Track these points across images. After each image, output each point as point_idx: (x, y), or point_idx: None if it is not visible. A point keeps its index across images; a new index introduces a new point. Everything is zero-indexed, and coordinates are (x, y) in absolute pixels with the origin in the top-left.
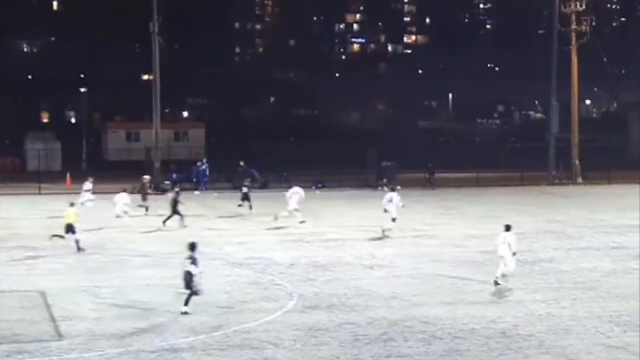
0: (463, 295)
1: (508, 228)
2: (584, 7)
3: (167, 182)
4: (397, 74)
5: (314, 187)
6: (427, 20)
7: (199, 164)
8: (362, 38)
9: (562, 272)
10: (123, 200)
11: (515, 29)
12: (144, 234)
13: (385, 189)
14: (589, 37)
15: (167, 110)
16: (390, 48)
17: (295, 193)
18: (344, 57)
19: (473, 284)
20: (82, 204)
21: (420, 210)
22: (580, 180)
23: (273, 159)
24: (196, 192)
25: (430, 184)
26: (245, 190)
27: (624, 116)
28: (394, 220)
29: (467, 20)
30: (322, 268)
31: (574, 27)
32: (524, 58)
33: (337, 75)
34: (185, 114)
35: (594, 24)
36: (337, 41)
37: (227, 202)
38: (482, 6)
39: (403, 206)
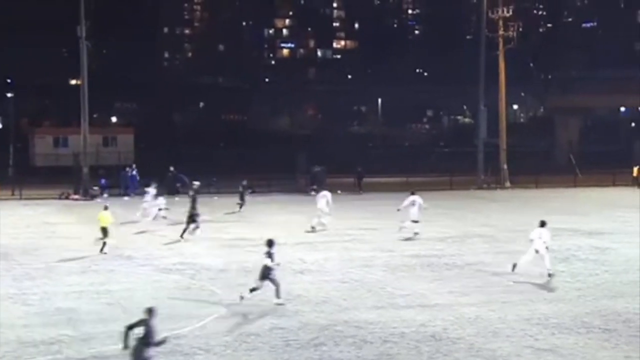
0: (393, 299)
1: (543, 224)
2: (510, 12)
3: (95, 188)
4: (327, 78)
5: None
6: (356, 25)
7: (128, 169)
8: (291, 43)
9: (490, 275)
10: (160, 203)
11: (444, 34)
12: (73, 240)
13: (313, 193)
14: (516, 42)
15: (95, 116)
16: (319, 53)
17: (323, 196)
18: (273, 62)
19: (403, 288)
20: (144, 209)
21: (350, 214)
22: (508, 184)
23: (203, 164)
24: (125, 198)
25: (358, 188)
26: (240, 189)
27: (551, 120)
28: (415, 221)
29: (395, 26)
30: (252, 273)
31: (501, 32)
32: (452, 63)
33: (267, 80)
34: (114, 119)
35: (520, 29)
36: (266, 46)
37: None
38: (410, 11)
39: (425, 208)
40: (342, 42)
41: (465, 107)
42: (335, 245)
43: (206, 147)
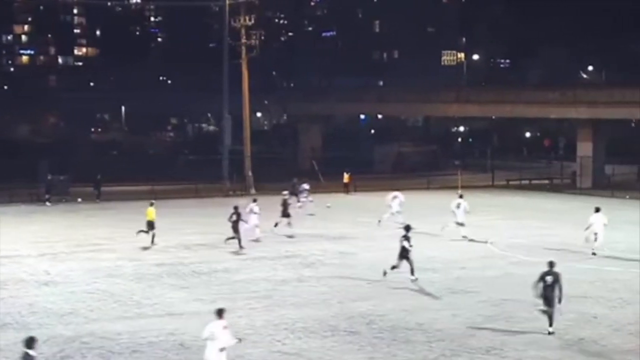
0: (140, 308)
1: (598, 209)
2: (252, 21)
3: None
4: (68, 85)
5: None
6: (98, 32)
7: None
8: (31, 49)
9: (237, 282)
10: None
11: (187, 42)
12: None
13: (48, 203)
14: (258, 50)
15: None
16: (60, 60)
17: (395, 197)
18: (12, 69)
19: (150, 297)
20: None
21: (92, 223)
22: (253, 190)
23: None
24: None
25: (97, 196)
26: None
27: (294, 127)
28: (460, 224)
29: (137, 33)
30: None
31: (243, 40)
32: (196, 71)
33: (5, 87)
34: None
35: (262, 37)
36: (4, 52)
37: None
38: (152, 19)
39: (468, 212)
40: (84, 49)
41: (209, 114)
42: (79, 255)
43: None
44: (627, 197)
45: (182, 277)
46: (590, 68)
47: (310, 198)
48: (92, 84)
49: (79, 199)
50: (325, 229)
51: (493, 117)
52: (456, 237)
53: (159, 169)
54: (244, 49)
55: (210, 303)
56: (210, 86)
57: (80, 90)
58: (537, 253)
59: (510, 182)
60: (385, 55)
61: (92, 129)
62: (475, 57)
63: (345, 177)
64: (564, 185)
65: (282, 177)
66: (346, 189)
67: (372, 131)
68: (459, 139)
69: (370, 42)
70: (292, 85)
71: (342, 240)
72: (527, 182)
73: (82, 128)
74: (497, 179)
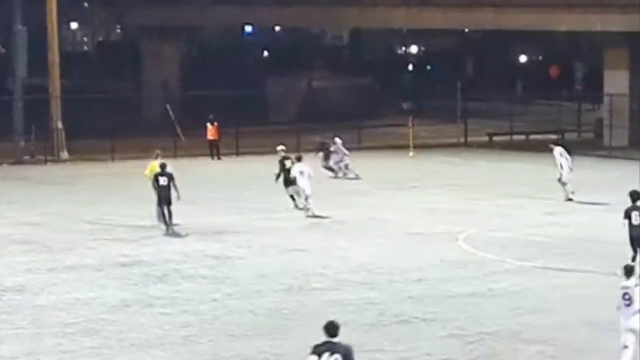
0: None
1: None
2: None
3: None
4: None
5: None
6: None
7: None
8: None
9: (40, 308)
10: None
11: None
12: None
13: None
14: None
15: None
16: None
17: (562, 153)
18: None
19: None
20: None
21: None
22: (66, 154)
23: None
24: None
25: None
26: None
27: (134, 48)
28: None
29: None
30: None
31: None
32: None
33: None
34: None
35: None
36: None
37: None
38: None
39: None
40: None
41: None
42: None
43: None
44: None
45: None
46: None
47: (347, 161)
48: None
49: None
50: (191, 218)
51: (466, 30)
52: None
53: None
54: None
55: None
56: None
57: None
58: (537, 254)
59: (495, 139)
60: None
61: None
62: None
63: (210, 131)
64: (583, 142)
65: (117, 131)
66: (213, 149)
67: (266, 54)
68: (410, 67)
69: None
70: None
71: (221, 236)
72: (522, 137)
73: None
74: (473, 132)
